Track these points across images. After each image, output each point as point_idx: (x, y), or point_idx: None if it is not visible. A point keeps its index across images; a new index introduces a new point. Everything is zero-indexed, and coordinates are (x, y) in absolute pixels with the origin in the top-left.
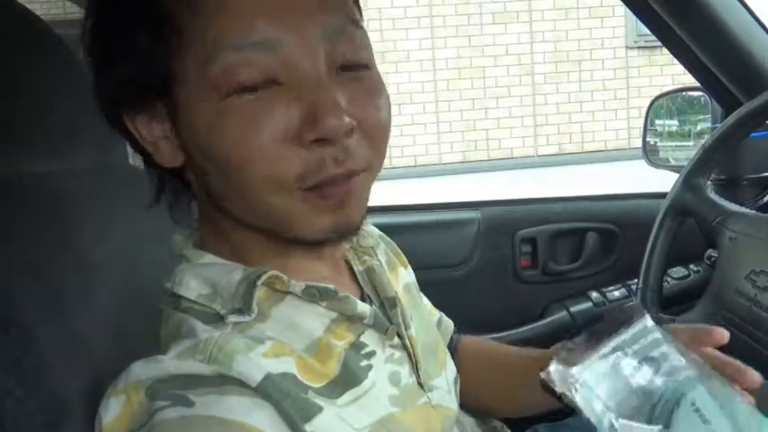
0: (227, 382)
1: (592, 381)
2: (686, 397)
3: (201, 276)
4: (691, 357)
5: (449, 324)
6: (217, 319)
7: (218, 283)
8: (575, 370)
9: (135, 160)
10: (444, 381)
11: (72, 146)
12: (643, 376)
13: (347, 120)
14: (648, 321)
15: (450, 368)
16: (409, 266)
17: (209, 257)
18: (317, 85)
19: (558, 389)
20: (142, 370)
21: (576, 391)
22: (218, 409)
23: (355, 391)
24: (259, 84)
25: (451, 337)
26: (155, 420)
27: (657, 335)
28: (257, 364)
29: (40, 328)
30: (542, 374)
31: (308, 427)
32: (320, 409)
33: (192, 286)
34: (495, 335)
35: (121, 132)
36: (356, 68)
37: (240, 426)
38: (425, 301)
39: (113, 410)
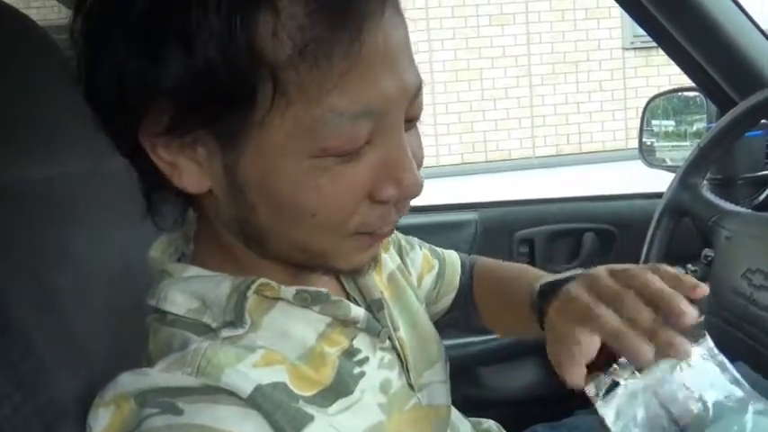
0: (217, 392)
1: (631, 406)
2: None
3: (188, 291)
4: (740, 383)
5: (452, 265)
6: (207, 331)
7: (206, 296)
8: (619, 392)
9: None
10: (437, 371)
11: (69, 150)
12: (685, 403)
13: (421, 180)
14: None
15: (443, 355)
16: (392, 248)
17: (193, 270)
18: (399, 146)
19: (600, 409)
20: (130, 382)
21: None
22: (207, 418)
23: (345, 400)
24: (358, 148)
25: (463, 272)
26: (142, 428)
27: (713, 365)
28: (246, 375)
29: (38, 333)
30: (587, 389)
31: None
32: (312, 418)
33: (178, 301)
34: (492, 336)
35: (123, 146)
36: (413, 120)
37: None
38: (418, 258)
39: (103, 420)
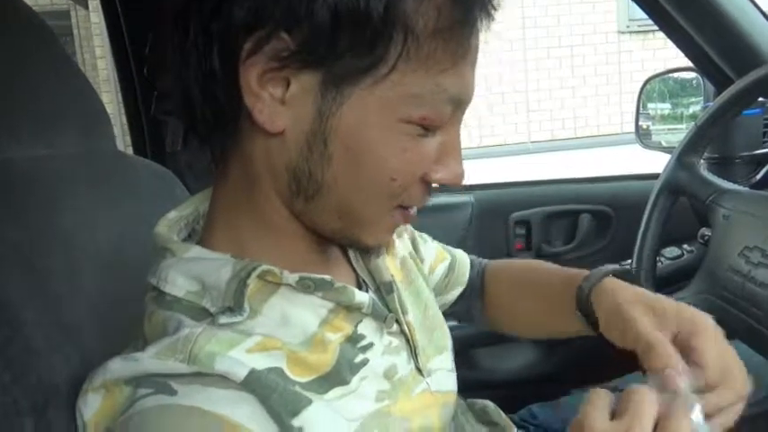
0: (210, 377)
1: None
2: None
3: (189, 273)
4: None
5: (463, 262)
6: (205, 316)
7: (206, 280)
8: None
9: (123, 147)
10: (445, 359)
11: (57, 132)
12: None
13: (465, 172)
14: None
15: (451, 346)
16: (405, 236)
17: (196, 250)
18: (456, 138)
19: None
20: (120, 367)
21: None
22: (201, 400)
23: (341, 389)
24: (438, 127)
25: (473, 269)
26: (135, 408)
27: None
28: (240, 361)
29: (26, 313)
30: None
31: (295, 421)
32: (309, 401)
33: (178, 283)
34: None
35: (211, 70)
36: None
37: (219, 418)
38: (431, 250)
39: (93, 405)
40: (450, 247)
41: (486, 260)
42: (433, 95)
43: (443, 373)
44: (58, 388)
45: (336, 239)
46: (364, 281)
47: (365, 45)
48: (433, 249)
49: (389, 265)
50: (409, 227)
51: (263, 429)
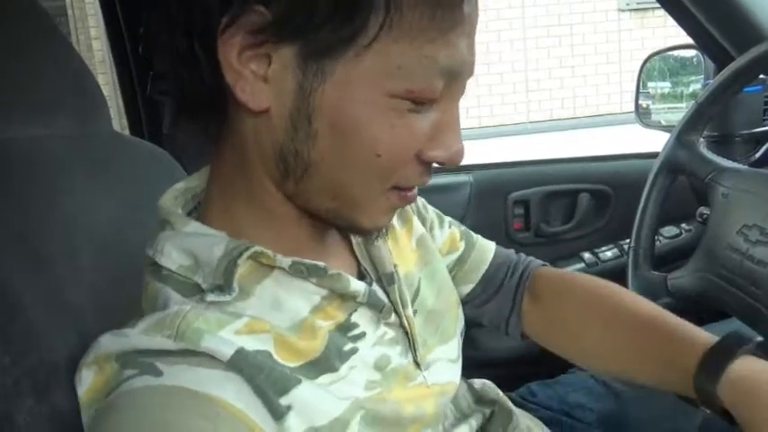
0: (196, 355)
1: None
2: None
3: (183, 247)
4: None
5: (483, 253)
6: (197, 291)
7: (199, 256)
8: None
9: (119, 128)
10: (449, 348)
11: (53, 114)
12: None
13: (464, 149)
14: None
15: (460, 329)
16: (415, 218)
17: (193, 225)
18: (454, 113)
19: None
20: (110, 343)
21: None
22: (187, 380)
23: (331, 375)
24: (431, 100)
25: (512, 268)
26: (122, 389)
27: None
28: (227, 340)
29: (26, 294)
30: None
31: (283, 400)
32: (299, 380)
33: (173, 257)
34: None
35: (192, 47)
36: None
37: (207, 398)
38: (444, 236)
39: (86, 381)
40: (474, 236)
41: (529, 260)
42: (422, 67)
43: (443, 363)
44: (59, 368)
45: (332, 221)
46: (366, 270)
47: (344, 14)
48: (445, 235)
49: (399, 251)
50: (428, 206)
51: (249, 408)
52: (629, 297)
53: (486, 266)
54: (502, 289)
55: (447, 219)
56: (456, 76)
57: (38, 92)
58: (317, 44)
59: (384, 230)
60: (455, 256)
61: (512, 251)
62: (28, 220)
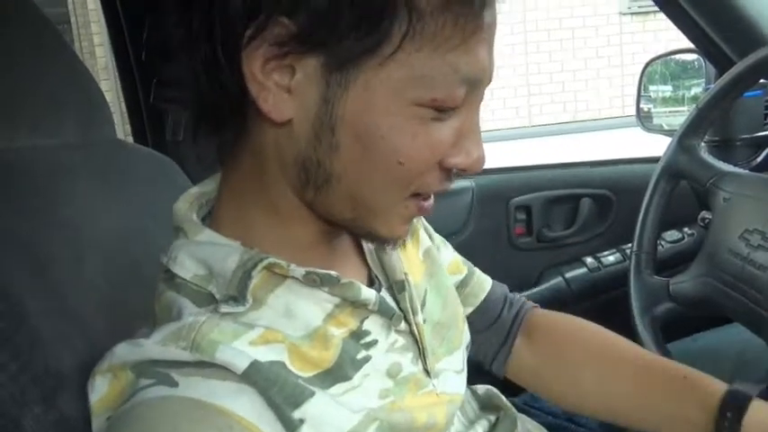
0: (211, 367)
1: None
2: None
3: (197, 256)
4: None
5: (481, 283)
6: (211, 301)
7: (213, 266)
8: None
9: (123, 135)
10: (455, 359)
11: (57, 122)
12: None
13: (485, 157)
14: None
15: (465, 342)
16: (422, 230)
17: (207, 234)
18: (475, 120)
19: None
20: (125, 352)
21: None
22: (202, 393)
23: (344, 385)
24: (453, 108)
25: (505, 301)
26: (136, 399)
27: None
28: (242, 352)
29: (32, 303)
30: None
31: (297, 413)
32: (312, 393)
33: (187, 266)
34: None
35: (215, 58)
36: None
37: (220, 411)
38: (448, 257)
39: (100, 389)
40: (470, 264)
41: (523, 300)
42: (444, 76)
43: (450, 374)
44: (66, 376)
45: (351, 229)
46: (377, 276)
47: (367, 24)
48: (450, 257)
49: (408, 261)
50: (432, 231)
51: (262, 421)
52: (626, 343)
53: (484, 295)
54: (498, 321)
55: (446, 242)
56: (477, 84)
57: (41, 99)
58: (340, 55)
59: (401, 241)
60: (459, 277)
61: (505, 287)
62: (32, 227)
